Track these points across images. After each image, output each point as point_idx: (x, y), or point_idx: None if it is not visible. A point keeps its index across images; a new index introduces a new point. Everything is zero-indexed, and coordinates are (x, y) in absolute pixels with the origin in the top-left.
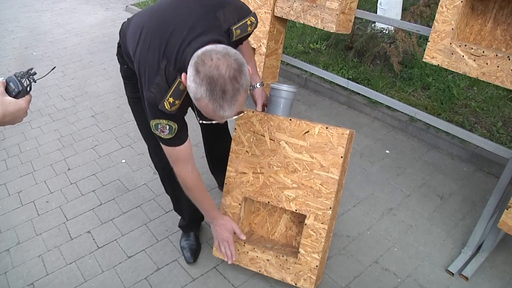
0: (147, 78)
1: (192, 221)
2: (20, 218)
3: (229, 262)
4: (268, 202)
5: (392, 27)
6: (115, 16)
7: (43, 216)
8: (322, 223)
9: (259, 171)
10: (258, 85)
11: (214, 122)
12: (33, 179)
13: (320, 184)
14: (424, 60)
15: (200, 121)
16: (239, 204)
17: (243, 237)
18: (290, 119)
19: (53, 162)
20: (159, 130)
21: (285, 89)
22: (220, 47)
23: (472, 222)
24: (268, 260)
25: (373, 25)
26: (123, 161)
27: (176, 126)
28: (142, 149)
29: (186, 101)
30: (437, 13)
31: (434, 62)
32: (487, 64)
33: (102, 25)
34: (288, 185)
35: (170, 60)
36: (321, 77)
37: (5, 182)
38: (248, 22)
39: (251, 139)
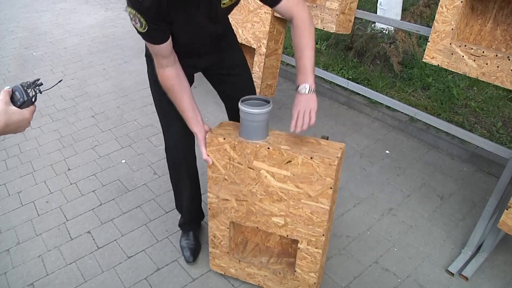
0: None
1: (192, 220)
2: (20, 218)
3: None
4: (257, 227)
5: (392, 28)
6: (115, 16)
7: (43, 216)
8: (316, 248)
9: (242, 199)
10: (300, 88)
11: None
12: (33, 179)
13: (310, 213)
14: (424, 60)
15: None
16: (227, 228)
17: (204, 152)
18: (268, 148)
19: (53, 162)
20: (132, 20)
21: (257, 112)
22: None
23: (472, 222)
24: (265, 276)
25: (373, 25)
26: (123, 161)
27: (146, 22)
28: (142, 149)
29: (161, 2)
30: (437, 14)
31: (434, 62)
32: (487, 64)
33: (102, 25)
34: (276, 213)
35: None
36: (321, 77)
37: (5, 182)
38: None
39: (228, 167)
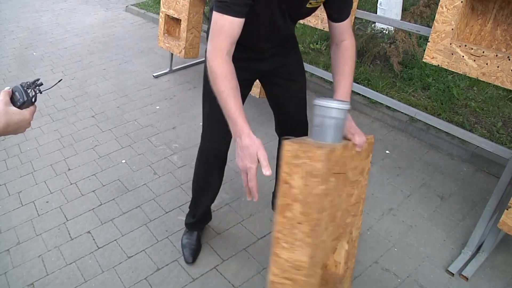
0: None
1: (202, 220)
2: (20, 218)
3: (248, 199)
4: None
5: (392, 28)
6: (115, 16)
7: (43, 216)
8: None
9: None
10: None
11: None
12: (33, 179)
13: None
14: (424, 60)
15: None
16: None
17: (268, 173)
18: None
19: (53, 162)
20: None
21: (335, 106)
22: None
23: (472, 223)
24: None
25: (373, 25)
26: (123, 161)
27: None
28: (142, 149)
29: None
30: (437, 14)
31: (434, 63)
32: (487, 64)
33: (102, 25)
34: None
35: None
36: (322, 78)
37: (5, 182)
38: None
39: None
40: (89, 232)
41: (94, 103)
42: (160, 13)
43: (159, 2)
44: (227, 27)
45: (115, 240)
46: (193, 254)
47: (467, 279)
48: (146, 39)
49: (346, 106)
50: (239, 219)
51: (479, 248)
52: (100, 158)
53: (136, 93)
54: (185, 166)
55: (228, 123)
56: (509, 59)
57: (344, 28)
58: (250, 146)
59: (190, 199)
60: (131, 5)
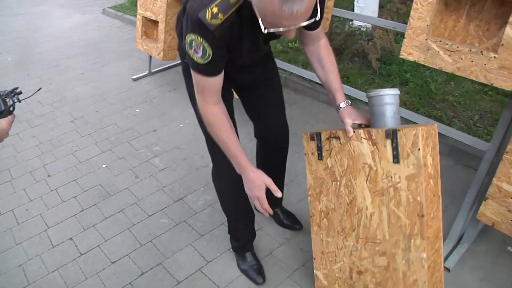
0: None
1: (249, 240)
2: None
3: (266, 216)
4: None
5: (370, 25)
6: (92, 19)
7: (23, 224)
8: None
9: None
10: (342, 104)
11: (282, 29)
12: (11, 187)
13: None
14: (401, 56)
15: (266, 30)
16: None
17: (279, 195)
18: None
19: (32, 169)
20: (192, 48)
21: (389, 93)
22: None
23: (453, 215)
24: None
25: (350, 23)
26: (104, 166)
27: (211, 51)
28: (123, 153)
29: (237, 30)
30: (412, 10)
31: (411, 58)
32: (461, 59)
33: (79, 29)
34: None
35: None
36: (301, 76)
37: None
38: None
39: None
40: (71, 238)
41: (73, 107)
42: (137, 15)
43: (136, 4)
44: (209, 85)
45: (98, 245)
46: (259, 272)
47: (449, 270)
48: (124, 42)
49: (398, 91)
50: (222, 220)
51: (460, 240)
52: (80, 163)
53: (115, 97)
54: (166, 168)
55: (230, 160)
56: (482, 54)
57: (319, 31)
58: (255, 179)
59: (227, 223)
60: (108, 8)
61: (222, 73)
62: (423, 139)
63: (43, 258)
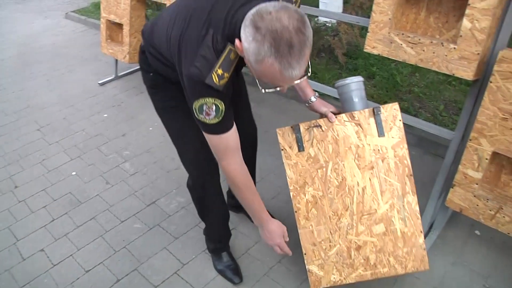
0: (188, 52)
1: (227, 240)
2: None
3: (290, 254)
4: None
5: (335, 20)
6: (55, 24)
7: None
8: None
9: None
10: (313, 98)
11: (278, 89)
12: None
13: None
14: (365, 50)
15: (263, 90)
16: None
17: (289, 253)
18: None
19: None
20: (204, 113)
21: (352, 81)
22: (274, 2)
23: (423, 203)
24: None
25: (316, 19)
26: (74, 173)
27: (223, 105)
28: (93, 159)
29: (232, 76)
30: (374, 4)
31: (375, 52)
32: (423, 51)
33: (41, 34)
34: None
35: (217, 28)
36: None
37: None
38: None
39: None
40: (42, 250)
41: (38, 116)
42: (101, 19)
43: (100, 8)
44: (231, 142)
45: (71, 255)
46: (236, 272)
47: None
48: (89, 46)
49: (361, 78)
50: (196, 221)
51: (431, 227)
52: (49, 172)
53: (82, 103)
54: (137, 173)
55: (252, 217)
56: (443, 45)
57: None
58: (276, 228)
59: (205, 227)
60: (71, 11)
61: (234, 125)
62: (399, 112)
63: (12, 273)
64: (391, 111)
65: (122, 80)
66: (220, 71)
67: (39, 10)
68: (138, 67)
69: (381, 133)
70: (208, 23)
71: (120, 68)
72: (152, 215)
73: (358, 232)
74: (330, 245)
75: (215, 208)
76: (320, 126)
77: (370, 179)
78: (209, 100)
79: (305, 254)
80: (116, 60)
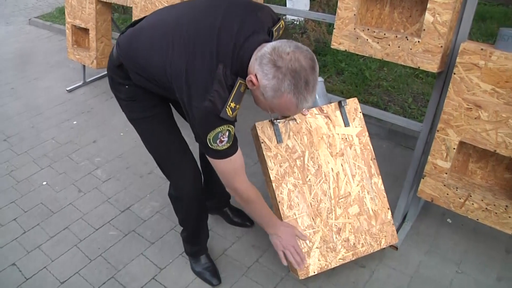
0: (200, 85)
1: (202, 243)
2: None
3: (300, 267)
4: None
5: (302, 18)
6: (18, 30)
7: None
8: None
9: None
10: None
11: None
12: None
13: None
14: (332, 46)
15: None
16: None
17: (305, 238)
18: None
19: None
20: (218, 140)
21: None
22: (285, 41)
23: (396, 195)
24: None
25: (284, 17)
26: (44, 183)
27: (233, 129)
28: (64, 168)
29: None
30: (339, 1)
31: (342, 48)
32: (389, 45)
33: (4, 41)
34: None
35: (226, 63)
36: None
37: None
38: (281, 26)
39: None
40: (14, 264)
41: (5, 125)
42: (66, 24)
43: (64, 13)
44: (239, 161)
45: (45, 267)
46: (214, 273)
47: (396, 248)
48: (55, 53)
49: (321, 79)
50: (171, 225)
51: (404, 218)
52: (18, 183)
53: (50, 110)
54: (110, 179)
55: (263, 225)
56: (407, 39)
57: None
58: (288, 231)
59: (186, 233)
60: (35, 17)
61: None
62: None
63: None
64: (353, 104)
65: (90, 86)
66: (232, 104)
67: (2, 16)
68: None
69: (346, 123)
70: (216, 57)
71: (88, 73)
72: (127, 221)
73: (337, 215)
74: (313, 231)
75: (198, 215)
76: (295, 119)
77: (342, 165)
78: (224, 127)
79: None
80: (84, 66)
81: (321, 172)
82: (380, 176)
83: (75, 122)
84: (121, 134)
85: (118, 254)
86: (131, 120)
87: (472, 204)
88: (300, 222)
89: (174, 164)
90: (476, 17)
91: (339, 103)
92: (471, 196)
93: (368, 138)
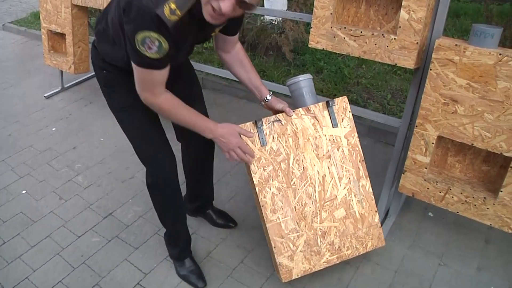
0: None
1: (188, 244)
2: None
3: (250, 163)
4: None
5: (280, 18)
6: None
7: None
8: None
9: None
10: (269, 96)
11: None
12: None
13: None
14: (309, 45)
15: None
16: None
17: (252, 135)
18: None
19: None
20: (146, 45)
21: (302, 79)
22: None
23: (378, 192)
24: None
25: (262, 17)
26: (24, 191)
27: (167, 45)
28: (43, 175)
29: (186, 28)
30: (315, 0)
31: (319, 47)
32: (366, 43)
33: None
34: None
35: None
36: (218, 75)
37: None
38: None
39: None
40: None
41: None
42: (42, 29)
43: (40, 18)
44: (160, 77)
45: (26, 277)
46: (199, 276)
47: None
48: (31, 59)
49: (310, 76)
50: (155, 229)
51: (387, 214)
52: None
53: (28, 117)
54: (91, 185)
55: (198, 131)
56: (384, 36)
57: (236, 37)
58: (227, 131)
59: (165, 232)
60: (9, 23)
61: (169, 66)
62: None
63: None
64: (342, 104)
65: (69, 91)
66: (173, 6)
67: None
68: (85, 77)
69: (334, 124)
70: None
71: (66, 79)
72: (110, 227)
73: (322, 219)
74: (297, 235)
75: (176, 209)
76: (280, 121)
77: (328, 167)
78: (154, 34)
79: (274, 247)
80: (62, 72)
81: (307, 175)
82: (368, 179)
83: (54, 129)
84: (101, 139)
85: (102, 261)
86: (111, 108)
87: (452, 197)
88: (284, 226)
89: (151, 153)
90: (451, 13)
91: (327, 103)
92: (450, 189)
93: (357, 139)
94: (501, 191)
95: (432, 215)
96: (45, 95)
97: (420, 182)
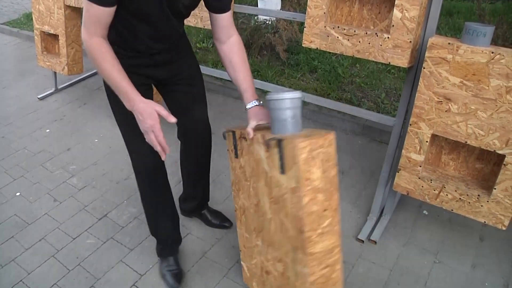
0: None
1: (173, 242)
2: None
3: (163, 158)
4: None
5: (274, 18)
6: None
7: None
8: None
9: None
10: (250, 104)
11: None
12: None
13: None
14: (303, 45)
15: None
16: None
17: (173, 120)
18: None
19: None
20: None
21: (289, 97)
22: None
23: (373, 190)
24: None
25: (256, 17)
26: (18, 194)
27: None
28: (37, 177)
29: None
30: (308, 0)
31: (313, 46)
32: (359, 42)
33: None
34: None
35: None
36: (212, 76)
37: None
38: None
39: None
40: None
41: None
42: (35, 30)
43: (32, 19)
44: (99, 15)
45: (21, 280)
46: (175, 276)
47: (375, 242)
48: (24, 60)
49: (299, 94)
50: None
51: (382, 212)
52: None
53: (21, 119)
54: (86, 187)
55: (119, 96)
56: (377, 35)
57: (229, 22)
58: (146, 108)
59: (147, 221)
60: (1, 24)
61: (114, 9)
62: (307, 151)
63: None
64: (291, 149)
65: (63, 93)
66: None
67: None
68: (79, 78)
69: (282, 169)
70: None
71: (60, 80)
72: (105, 229)
73: (267, 258)
74: (252, 256)
75: (162, 202)
76: (245, 139)
77: (275, 213)
78: None
79: (240, 250)
80: (55, 73)
81: (260, 207)
82: (307, 255)
83: (48, 131)
84: (96, 140)
85: (97, 263)
86: (107, 96)
87: (446, 195)
88: (245, 239)
89: (140, 144)
90: (444, 12)
91: (278, 141)
92: (445, 187)
93: (303, 201)
94: (495, 189)
95: (426, 213)
96: (39, 96)
97: (415, 180)
